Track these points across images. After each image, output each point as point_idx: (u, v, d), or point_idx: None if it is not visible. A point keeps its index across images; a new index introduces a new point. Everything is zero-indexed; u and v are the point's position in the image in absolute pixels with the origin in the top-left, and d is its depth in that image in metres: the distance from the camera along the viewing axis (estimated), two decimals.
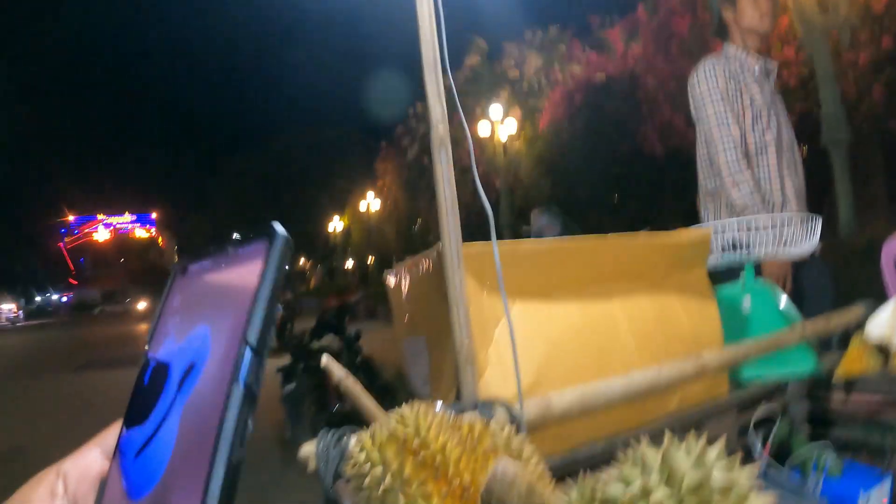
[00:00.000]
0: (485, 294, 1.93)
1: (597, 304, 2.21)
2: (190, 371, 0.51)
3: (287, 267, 0.50)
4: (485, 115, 19.59)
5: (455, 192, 1.70)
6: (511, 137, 20.36)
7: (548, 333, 2.04)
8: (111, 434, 0.58)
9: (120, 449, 0.55)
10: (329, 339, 8.64)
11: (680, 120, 13.17)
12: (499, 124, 19.93)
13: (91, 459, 0.58)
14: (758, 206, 3.63)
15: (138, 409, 0.55)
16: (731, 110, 3.75)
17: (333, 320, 9.07)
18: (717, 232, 2.97)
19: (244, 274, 0.50)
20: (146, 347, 0.59)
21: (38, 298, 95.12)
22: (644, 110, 14.94)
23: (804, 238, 2.88)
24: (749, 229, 2.99)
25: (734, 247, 2.93)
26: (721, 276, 2.93)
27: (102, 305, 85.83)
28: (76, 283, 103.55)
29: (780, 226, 2.93)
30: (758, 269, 3.29)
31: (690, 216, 4.06)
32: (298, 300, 25.85)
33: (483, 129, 19.47)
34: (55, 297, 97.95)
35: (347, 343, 8.78)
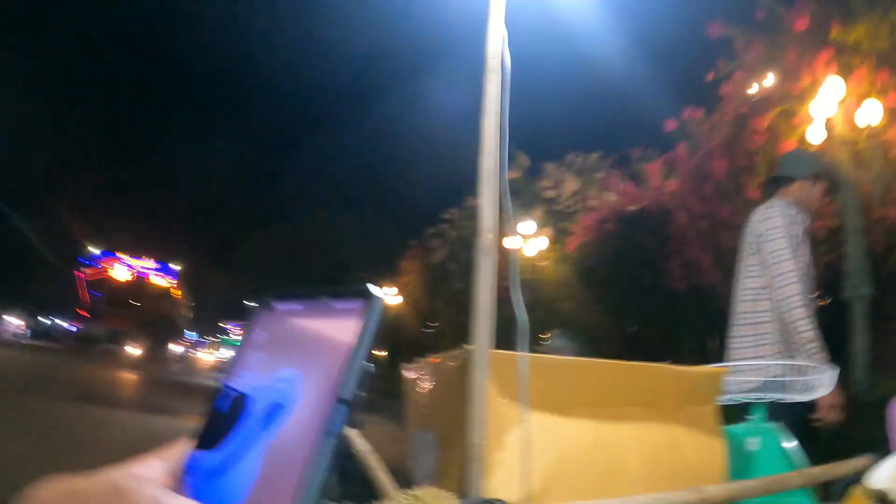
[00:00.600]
0: (504, 400, 2.00)
1: (608, 426, 2.27)
2: (276, 410, 0.53)
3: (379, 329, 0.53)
4: (516, 229, 19.70)
5: (493, 299, 1.78)
6: (539, 255, 20.43)
7: (558, 447, 2.09)
8: (175, 451, 0.58)
9: (189, 468, 0.55)
10: None
11: (706, 260, 13.21)
12: (528, 240, 20.04)
13: (154, 471, 0.57)
14: (819, 341, 3.70)
15: (213, 433, 0.55)
16: (793, 251, 3.86)
17: None
18: (752, 370, 3.03)
19: (340, 328, 0.53)
20: (224, 376, 0.60)
21: (47, 321, 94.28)
22: (672, 246, 14.99)
23: (827, 384, 2.94)
24: (791, 369, 3.09)
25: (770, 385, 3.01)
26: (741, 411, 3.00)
27: (106, 343, 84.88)
28: (87, 315, 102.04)
29: (817, 370, 3.01)
30: (809, 406, 3.35)
31: (706, 355, 4.10)
32: None
33: (513, 242, 19.50)
34: (63, 323, 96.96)
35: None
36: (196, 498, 0.54)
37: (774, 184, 4.33)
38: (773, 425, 2.90)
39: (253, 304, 0.66)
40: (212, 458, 0.54)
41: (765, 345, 3.86)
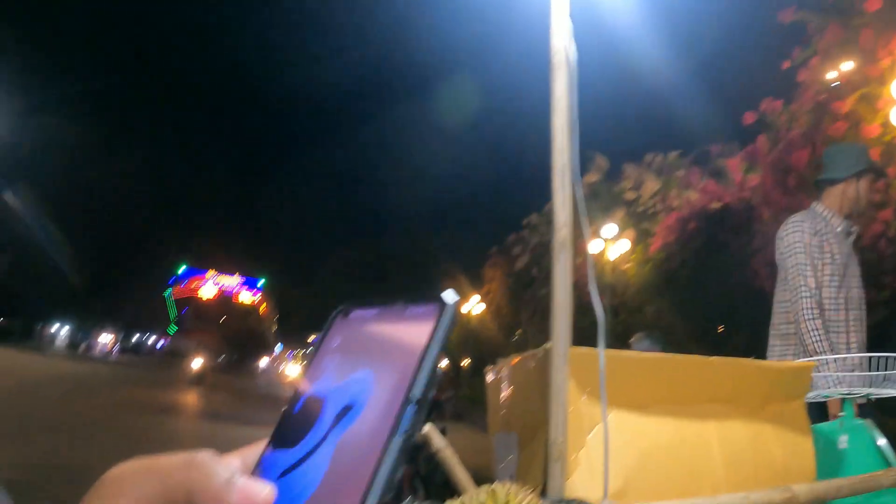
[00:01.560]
0: (584, 398, 1.99)
1: (692, 423, 2.24)
2: (348, 411, 0.54)
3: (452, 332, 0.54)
4: (598, 232, 19.53)
5: (570, 295, 1.78)
6: (621, 258, 20.29)
7: (640, 444, 2.07)
8: (253, 450, 0.60)
9: (262, 466, 0.58)
10: None
11: None
12: (611, 243, 19.89)
13: (231, 464, 0.58)
14: (826, 353, 3.76)
15: (287, 433, 0.58)
16: (811, 264, 4.03)
17: None
18: None
19: (413, 332, 0.54)
20: (301, 380, 0.62)
21: (136, 338, 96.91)
22: (757, 243, 14.68)
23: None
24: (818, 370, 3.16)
25: None
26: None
27: (192, 358, 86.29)
28: (175, 331, 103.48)
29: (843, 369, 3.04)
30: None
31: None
32: None
33: (595, 245, 19.36)
34: (152, 339, 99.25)
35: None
36: None
37: (818, 186, 4.39)
38: (863, 422, 2.85)
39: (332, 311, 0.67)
40: (284, 457, 0.56)
41: (788, 356, 4.05)
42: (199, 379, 34.00)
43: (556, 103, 1.86)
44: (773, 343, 4.20)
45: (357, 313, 0.64)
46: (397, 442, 0.48)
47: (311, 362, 0.64)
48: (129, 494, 0.52)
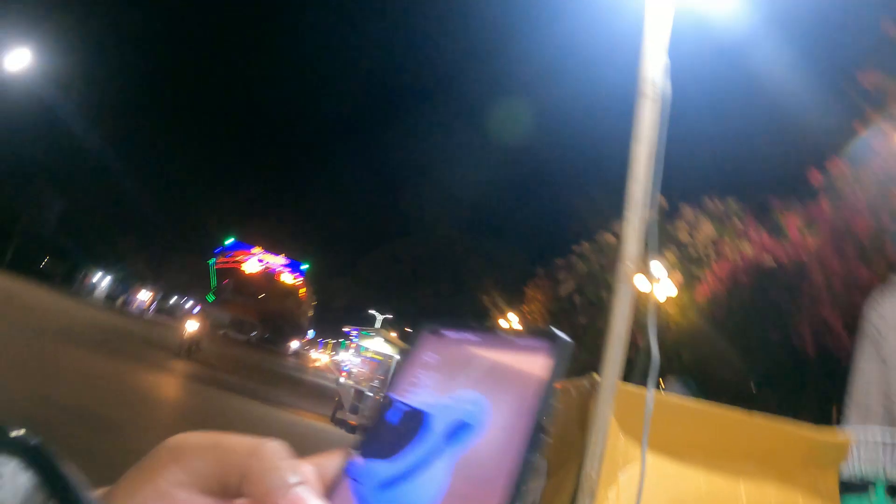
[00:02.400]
0: (621, 435, 1.96)
1: (724, 478, 2.20)
2: (460, 428, 0.54)
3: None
4: (649, 270, 19.21)
5: (627, 329, 1.75)
6: (666, 299, 20.11)
7: (671, 490, 2.04)
8: (330, 459, 0.59)
9: (351, 473, 0.57)
10: None
11: (838, 323, 12.67)
12: (657, 283, 19.70)
13: (306, 471, 0.57)
14: None
15: (383, 443, 0.58)
16: None
17: None
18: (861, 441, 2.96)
19: (527, 362, 0.54)
20: (391, 390, 0.64)
21: (172, 300, 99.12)
22: (804, 303, 14.48)
23: None
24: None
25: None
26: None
27: (227, 329, 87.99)
28: (213, 300, 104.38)
29: None
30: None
31: (827, 420, 4.08)
32: None
33: (644, 283, 19.05)
34: (189, 304, 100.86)
35: None
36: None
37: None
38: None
39: (419, 328, 0.68)
40: (386, 468, 0.56)
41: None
42: (190, 349, 26.77)
43: (640, 133, 1.84)
44: (851, 414, 3.94)
45: (451, 334, 0.65)
46: (531, 462, 0.48)
47: (398, 374, 0.64)
48: (185, 465, 0.52)
